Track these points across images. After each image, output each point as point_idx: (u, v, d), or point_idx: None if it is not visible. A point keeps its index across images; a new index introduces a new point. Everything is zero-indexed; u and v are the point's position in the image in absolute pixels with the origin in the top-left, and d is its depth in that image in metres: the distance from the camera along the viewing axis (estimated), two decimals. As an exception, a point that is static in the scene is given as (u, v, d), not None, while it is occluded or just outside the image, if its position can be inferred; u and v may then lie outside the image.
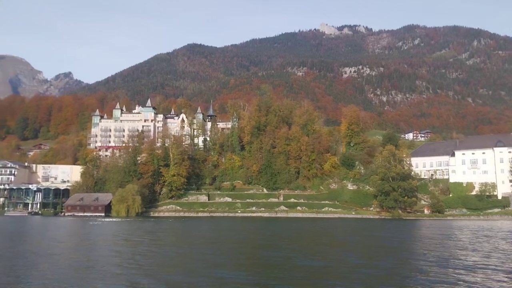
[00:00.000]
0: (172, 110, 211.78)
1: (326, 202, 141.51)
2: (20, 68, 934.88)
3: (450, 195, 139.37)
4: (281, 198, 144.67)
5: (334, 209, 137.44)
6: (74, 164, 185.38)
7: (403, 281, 26.48)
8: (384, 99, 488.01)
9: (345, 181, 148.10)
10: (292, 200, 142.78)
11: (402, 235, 66.26)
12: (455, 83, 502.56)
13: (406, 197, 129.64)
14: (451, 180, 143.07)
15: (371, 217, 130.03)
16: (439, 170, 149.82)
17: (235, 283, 24.65)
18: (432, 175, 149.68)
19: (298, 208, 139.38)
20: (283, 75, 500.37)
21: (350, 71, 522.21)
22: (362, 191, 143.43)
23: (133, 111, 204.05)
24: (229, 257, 37.85)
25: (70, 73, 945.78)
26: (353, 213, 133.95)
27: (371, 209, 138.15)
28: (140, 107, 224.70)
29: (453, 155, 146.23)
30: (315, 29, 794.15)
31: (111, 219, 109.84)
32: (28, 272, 27.79)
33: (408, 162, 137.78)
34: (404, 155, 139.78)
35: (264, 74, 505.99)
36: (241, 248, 45.99)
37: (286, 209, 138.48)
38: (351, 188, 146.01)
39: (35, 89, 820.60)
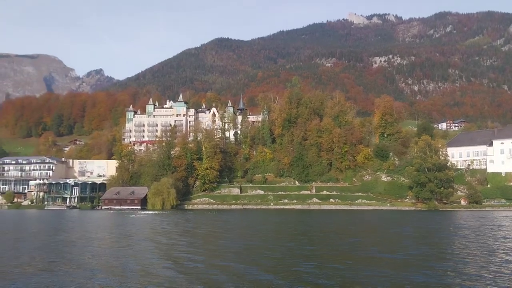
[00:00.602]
0: (203, 104, 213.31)
1: (360, 194, 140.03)
2: (53, 66, 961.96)
3: (488, 186, 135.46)
4: (313, 191, 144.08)
5: (368, 201, 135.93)
6: (108, 159, 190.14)
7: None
8: (416, 88, 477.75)
9: (378, 173, 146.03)
10: (325, 192, 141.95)
11: (451, 226, 64.87)
12: (490, 70, 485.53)
13: (442, 188, 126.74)
14: (489, 170, 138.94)
15: (407, 208, 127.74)
16: (476, 160, 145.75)
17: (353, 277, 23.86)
18: (468, 165, 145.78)
19: (331, 200, 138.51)
20: (311, 66, 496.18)
21: (380, 61, 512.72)
22: (397, 182, 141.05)
23: (164, 105, 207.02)
24: (314, 248, 37.50)
25: (101, 70, 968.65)
26: (388, 205, 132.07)
27: (405, 200, 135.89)
28: (171, 101, 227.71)
29: (490, 144, 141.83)
30: (343, 19, 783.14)
31: (150, 212, 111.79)
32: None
33: (444, 152, 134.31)
34: (439, 145, 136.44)
35: (292, 66, 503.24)
36: (314, 239, 45.37)
37: (319, 201, 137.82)
38: (385, 180, 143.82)
39: (68, 86, 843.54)
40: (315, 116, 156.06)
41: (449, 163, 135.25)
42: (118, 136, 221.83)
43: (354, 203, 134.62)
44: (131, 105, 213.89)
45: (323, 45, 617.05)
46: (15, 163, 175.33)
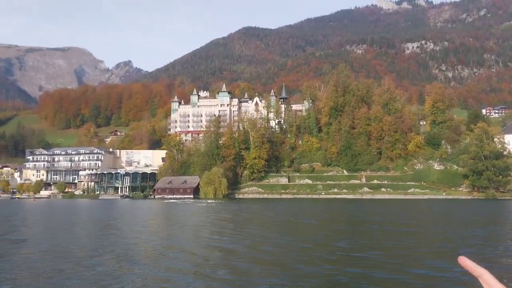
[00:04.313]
0: (246, 94, 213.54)
1: (412, 183, 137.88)
2: (83, 58, 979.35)
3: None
4: (363, 180, 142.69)
5: (421, 190, 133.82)
6: (149, 149, 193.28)
7: None
8: (450, 74, 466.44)
9: (430, 161, 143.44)
10: (375, 181, 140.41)
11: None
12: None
13: (500, 176, 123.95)
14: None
15: (463, 197, 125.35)
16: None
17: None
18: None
19: (382, 189, 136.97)
20: (341, 53, 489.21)
21: (413, 47, 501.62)
22: (450, 171, 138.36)
23: (201, 94, 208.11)
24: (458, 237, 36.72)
25: (129, 61, 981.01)
26: (444, 194, 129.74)
27: (460, 189, 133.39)
28: (205, 92, 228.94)
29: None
30: (372, 5, 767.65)
31: (211, 201, 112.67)
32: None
33: (501, 140, 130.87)
34: (496, 132, 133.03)
35: (322, 54, 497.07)
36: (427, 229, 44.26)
37: (371, 190, 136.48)
38: (438, 168, 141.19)
39: (98, 78, 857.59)
40: (362, 104, 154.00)
41: (506, 150, 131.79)
42: (157, 127, 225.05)
43: (407, 193, 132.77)
44: (175, 96, 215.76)
45: (352, 31, 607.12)
46: (65, 154, 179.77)
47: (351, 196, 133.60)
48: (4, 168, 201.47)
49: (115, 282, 18.88)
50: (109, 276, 20.11)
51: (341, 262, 24.04)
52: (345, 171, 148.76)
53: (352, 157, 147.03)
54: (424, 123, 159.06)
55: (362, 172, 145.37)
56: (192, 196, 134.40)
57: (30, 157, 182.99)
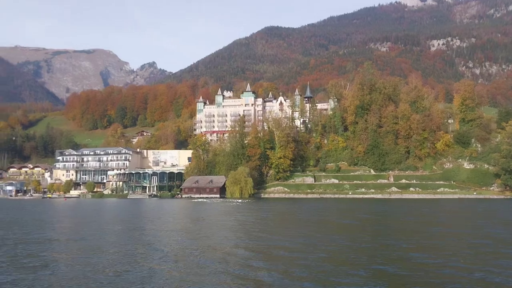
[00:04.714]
0: (271, 94, 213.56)
1: (441, 182, 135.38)
2: (109, 60, 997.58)
3: None
4: (391, 179, 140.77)
5: (451, 190, 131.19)
6: (174, 149, 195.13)
7: None
8: (477, 71, 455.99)
9: (460, 160, 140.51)
10: (404, 181, 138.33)
11: None
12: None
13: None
14: None
15: (495, 197, 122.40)
16: None
17: None
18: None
19: (411, 189, 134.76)
20: (365, 51, 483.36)
21: (438, 44, 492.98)
22: (481, 170, 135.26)
23: (225, 94, 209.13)
24: None
25: (154, 62, 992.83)
26: (475, 193, 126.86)
27: (491, 188, 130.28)
28: (229, 92, 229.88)
29: None
30: (396, 2, 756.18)
31: (238, 200, 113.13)
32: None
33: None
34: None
35: (345, 52, 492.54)
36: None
37: (399, 190, 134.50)
38: (468, 167, 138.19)
39: (123, 79, 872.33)
40: (389, 102, 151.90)
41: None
42: (182, 127, 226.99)
43: (436, 192, 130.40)
44: (200, 97, 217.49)
45: (376, 29, 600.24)
46: (94, 154, 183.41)
47: (379, 196, 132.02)
48: (35, 168, 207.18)
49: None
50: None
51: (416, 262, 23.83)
52: (372, 171, 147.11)
53: (379, 156, 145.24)
54: (452, 121, 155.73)
55: (390, 171, 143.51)
56: (218, 196, 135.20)
57: (60, 158, 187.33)
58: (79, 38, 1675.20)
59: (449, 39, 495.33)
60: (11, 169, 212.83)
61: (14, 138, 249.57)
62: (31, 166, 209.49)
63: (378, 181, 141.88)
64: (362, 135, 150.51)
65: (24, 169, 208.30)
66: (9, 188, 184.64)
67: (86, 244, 32.51)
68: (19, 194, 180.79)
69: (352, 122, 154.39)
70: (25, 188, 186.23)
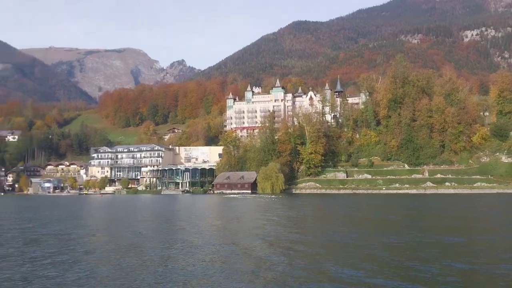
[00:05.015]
0: (300, 89, 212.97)
1: (478, 177, 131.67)
2: (139, 59, 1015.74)
3: None
4: (426, 174, 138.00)
5: (489, 184, 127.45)
6: (205, 145, 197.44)
7: None
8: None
9: (498, 154, 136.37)
10: (439, 175, 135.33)
11: None
12: None
13: None
14: None
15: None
16: None
17: None
18: None
19: (447, 184, 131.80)
20: (396, 44, 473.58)
21: (472, 34, 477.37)
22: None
23: (254, 90, 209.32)
24: None
25: (183, 60, 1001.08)
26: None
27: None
28: (257, 88, 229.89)
29: None
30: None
31: (272, 196, 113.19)
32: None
33: None
34: None
35: (375, 45, 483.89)
36: None
37: (434, 185, 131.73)
38: (506, 161, 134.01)
39: (153, 77, 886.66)
40: (423, 95, 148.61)
41: None
42: (212, 124, 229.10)
43: (473, 187, 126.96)
44: (230, 93, 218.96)
45: (406, 21, 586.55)
46: (128, 151, 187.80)
47: (413, 191, 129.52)
48: (71, 166, 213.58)
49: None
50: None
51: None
52: (406, 165, 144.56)
53: (413, 150, 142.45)
54: (488, 113, 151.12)
55: (425, 166, 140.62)
56: (249, 191, 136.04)
57: (95, 155, 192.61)
58: (110, 37, 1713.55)
59: (483, 29, 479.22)
60: (48, 167, 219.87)
61: (50, 136, 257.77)
62: (67, 164, 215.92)
63: (412, 176, 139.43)
64: (396, 129, 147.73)
65: (60, 167, 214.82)
66: (47, 185, 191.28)
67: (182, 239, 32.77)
68: (56, 190, 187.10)
69: (385, 116, 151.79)
70: (62, 185, 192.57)
